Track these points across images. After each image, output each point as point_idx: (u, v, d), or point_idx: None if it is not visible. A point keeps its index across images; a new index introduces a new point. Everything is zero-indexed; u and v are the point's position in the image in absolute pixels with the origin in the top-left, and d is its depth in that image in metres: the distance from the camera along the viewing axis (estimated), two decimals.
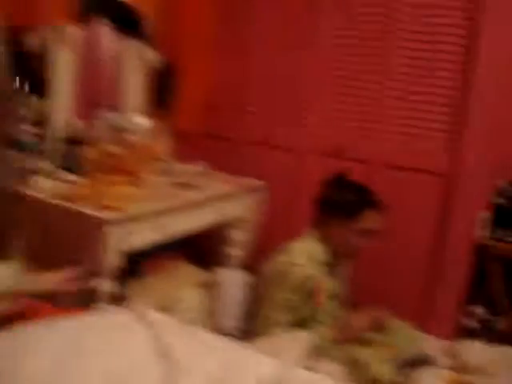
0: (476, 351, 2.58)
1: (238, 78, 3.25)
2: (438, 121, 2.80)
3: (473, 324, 2.95)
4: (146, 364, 1.24)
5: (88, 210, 2.00)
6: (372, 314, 2.36)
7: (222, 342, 1.45)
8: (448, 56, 2.74)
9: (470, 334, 2.90)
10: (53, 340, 1.26)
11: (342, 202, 2.32)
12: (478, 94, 2.67)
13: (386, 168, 2.92)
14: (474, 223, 2.80)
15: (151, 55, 2.90)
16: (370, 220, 2.29)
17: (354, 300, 2.96)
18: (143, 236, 2.21)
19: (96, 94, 2.97)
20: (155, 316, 1.44)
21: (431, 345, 2.69)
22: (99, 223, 1.97)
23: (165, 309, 2.47)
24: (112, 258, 2.07)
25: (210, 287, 2.60)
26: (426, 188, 2.85)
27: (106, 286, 2.08)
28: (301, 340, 2.20)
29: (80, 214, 2.00)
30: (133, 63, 2.83)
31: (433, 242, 2.86)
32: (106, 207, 2.03)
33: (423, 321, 2.90)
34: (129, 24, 2.78)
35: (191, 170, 2.83)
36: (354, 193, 2.34)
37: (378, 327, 2.40)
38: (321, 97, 3.05)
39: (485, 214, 2.85)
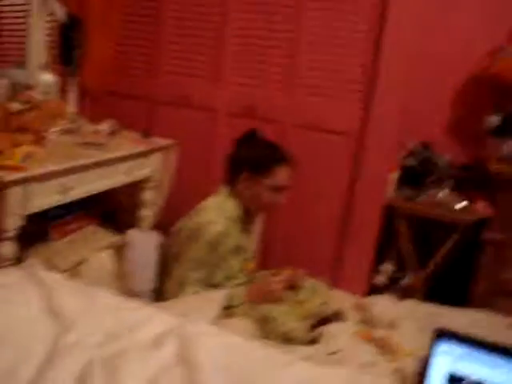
0: (384, 306, 2.68)
1: (150, 36, 3.16)
2: (349, 81, 2.84)
3: (382, 281, 3.07)
4: (34, 322, 1.22)
5: None
6: (287, 274, 2.42)
7: (121, 302, 1.46)
8: (361, 18, 2.78)
9: (379, 290, 3.03)
10: None
11: (252, 159, 2.36)
12: (389, 53, 2.72)
13: (298, 128, 2.95)
14: (385, 183, 2.89)
15: (56, 8, 2.78)
16: (280, 176, 2.32)
17: (264, 256, 3.06)
18: (46, 197, 2.13)
19: None
20: (47, 275, 1.42)
21: (342, 301, 2.79)
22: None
23: (73, 273, 2.46)
24: (13, 220, 2.01)
25: (120, 249, 2.59)
26: (336, 148, 2.90)
27: (6, 249, 2.02)
28: (214, 299, 2.24)
29: None
30: (37, 16, 2.71)
31: (344, 202, 2.93)
32: (7, 167, 1.96)
33: (335, 279, 3.00)
34: None
35: (99, 129, 2.76)
36: (264, 149, 2.38)
37: (292, 286, 2.47)
38: (234, 57, 3.02)
39: (395, 175, 2.95)
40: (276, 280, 2.38)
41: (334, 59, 2.85)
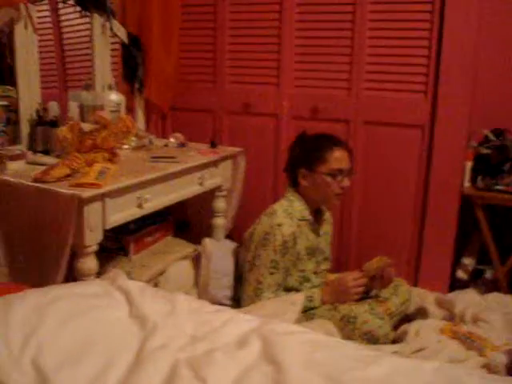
0: (468, 301, 2.60)
1: (209, 47, 3.20)
2: (415, 73, 2.78)
3: (463, 275, 2.98)
4: (121, 327, 1.25)
5: (65, 190, 1.99)
6: (364, 272, 2.39)
7: (202, 306, 1.47)
8: (423, 6, 2.71)
9: (461, 285, 2.94)
10: (22, 310, 1.28)
11: (304, 154, 2.39)
12: (453, 41, 2.64)
13: (366, 125, 2.91)
14: (459, 174, 2.81)
15: (117, 30, 2.87)
16: (335, 159, 2.32)
17: (339, 257, 3.02)
18: (123, 211, 2.18)
19: (66, 74, 2.97)
20: (130, 283, 1.45)
21: (424, 298, 2.72)
22: (77, 201, 1.96)
23: (153, 284, 2.51)
24: (93, 236, 2.07)
25: (197, 259, 2.62)
26: (408, 142, 2.84)
27: (88, 264, 2.08)
28: (293, 302, 2.23)
29: (58, 195, 1.98)
30: (100, 39, 2.79)
31: (419, 196, 2.86)
32: (84, 185, 2.02)
33: (415, 275, 2.94)
34: None
35: (168, 143, 2.83)
36: (313, 141, 2.40)
37: (387, 282, 2.44)
38: (292, 60, 3.01)
39: (469, 164, 2.86)
40: (352, 278, 2.35)
41: (397, 52, 2.79)
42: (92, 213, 2.04)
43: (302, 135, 2.47)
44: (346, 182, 2.37)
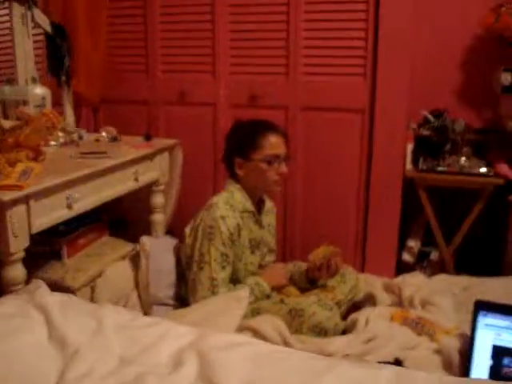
0: (416, 284, 2.53)
1: (140, 36, 2.99)
2: (352, 56, 2.66)
3: (409, 258, 2.92)
4: (38, 354, 1.08)
5: None
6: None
7: (131, 320, 1.30)
8: None
9: (407, 268, 2.88)
10: None
11: (240, 140, 2.27)
12: (389, 24, 2.55)
13: (305, 110, 2.78)
14: (401, 156, 2.73)
15: (40, 19, 2.64)
16: (269, 145, 2.21)
17: (284, 248, 2.92)
18: (51, 213, 1.98)
19: None
20: (49, 299, 1.27)
21: (371, 283, 2.64)
22: None
23: (92, 287, 2.34)
24: (18, 242, 1.87)
25: (136, 258, 2.46)
26: (348, 126, 2.73)
27: (13, 272, 1.89)
28: (238, 299, 2.11)
29: None
30: (21, 29, 2.55)
31: (362, 181, 2.76)
32: (4, 187, 1.83)
33: (361, 260, 2.86)
34: None
35: (98, 137, 2.63)
36: (245, 129, 2.29)
37: (334, 272, 2.34)
38: (227, 46, 2.85)
39: (410, 146, 2.79)
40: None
41: (334, 35, 2.67)
42: (15, 217, 1.82)
43: (237, 123, 2.34)
44: (283, 168, 2.24)
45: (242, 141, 2.25)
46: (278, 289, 2.31)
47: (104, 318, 1.23)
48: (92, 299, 2.28)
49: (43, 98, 2.54)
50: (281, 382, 1.02)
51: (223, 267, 2.16)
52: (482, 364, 1.83)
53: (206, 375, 1.04)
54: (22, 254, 1.89)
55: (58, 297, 1.32)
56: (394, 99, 2.62)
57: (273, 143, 2.22)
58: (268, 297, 2.26)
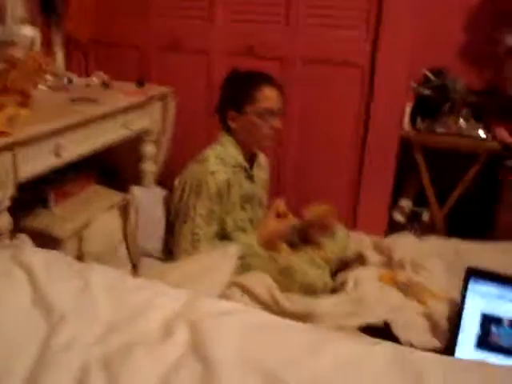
0: (406, 245, 2.51)
1: None
2: (354, 9, 2.55)
3: (400, 217, 2.89)
4: (23, 316, 1.03)
5: None
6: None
7: (120, 282, 1.24)
8: None
9: (398, 227, 2.85)
10: None
11: (231, 93, 2.18)
12: None
13: (304, 63, 2.68)
14: (399, 115, 2.66)
15: None
16: (264, 97, 2.12)
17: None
18: (38, 161, 1.90)
19: None
20: (35, 257, 1.21)
21: (361, 242, 2.62)
22: None
23: (79, 237, 2.28)
24: (4, 190, 1.80)
25: (125, 208, 2.41)
26: (347, 80, 2.65)
27: (1, 221, 1.83)
28: (229, 254, 2.08)
29: None
30: None
31: (358, 137, 2.69)
32: None
33: (352, 217, 2.83)
34: None
35: (89, 82, 2.53)
36: (241, 79, 2.18)
37: (327, 232, 2.31)
38: None
39: (409, 105, 2.72)
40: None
41: None
42: (1, 165, 1.76)
43: (233, 73, 2.23)
44: (277, 123, 2.15)
45: (236, 92, 2.15)
46: (268, 245, 2.26)
47: (91, 279, 1.17)
48: (79, 250, 2.22)
49: (32, 40, 2.41)
50: (274, 357, 0.97)
51: (207, 223, 2.11)
52: (469, 331, 1.81)
53: (198, 346, 0.99)
54: (7, 203, 1.83)
55: (43, 254, 1.26)
56: (395, 56, 2.53)
57: (268, 96, 2.12)
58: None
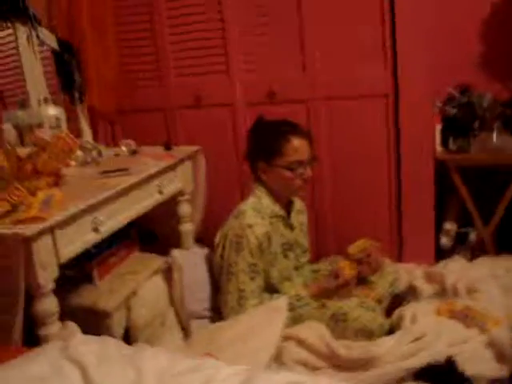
0: (458, 271, 2.43)
1: (150, 42, 2.88)
2: (369, 40, 2.52)
3: (447, 241, 2.80)
4: None
5: (6, 230, 1.71)
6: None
7: (173, 364, 1.20)
8: None
9: (446, 252, 2.77)
10: None
11: (260, 145, 2.16)
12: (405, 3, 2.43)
13: (327, 101, 2.66)
14: (430, 138, 2.61)
15: (45, 37, 2.55)
16: (293, 150, 2.09)
17: (317, 246, 2.81)
18: (78, 239, 1.90)
19: None
20: (80, 349, 1.19)
21: (412, 274, 2.54)
22: (22, 241, 1.70)
23: (127, 307, 2.26)
24: (47, 273, 1.80)
25: (169, 272, 2.39)
26: (372, 112, 2.60)
27: (46, 305, 1.82)
28: (277, 308, 2.03)
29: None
30: (27, 50, 2.46)
31: (392, 167, 2.64)
32: (27, 220, 1.76)
33: (398, 251, 2.75)
34: (11, 7, 2.42)
35: (117, 151, 2.54)
36: (268, 131, 2.16)
37: (375, 267, 2.26)
38: (240, 44, 2.73)
39: (438, 127, 2.67)
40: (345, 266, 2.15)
41: (348, 21, 2.54)
42: (42, 249, 1.74)
43: (258, 122, 2.23)
44: (308, 173, 2.13)
45: (264, 145, 2.14)
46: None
47: (143, 367, 1.14)
48: (128, 320, 2.20)
49: (58, 118, 2.45)
50: None
51: (252, 278, 2.08)
52: None
53: None
54: (51, 286, 1.82)
55: (93, 346, 1.23)
56: (416, 79, 2.49)
57: (296, 148, 2.10)
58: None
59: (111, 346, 1.27)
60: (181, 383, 1.11)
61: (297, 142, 2.10)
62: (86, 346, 1.21)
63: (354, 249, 2.23)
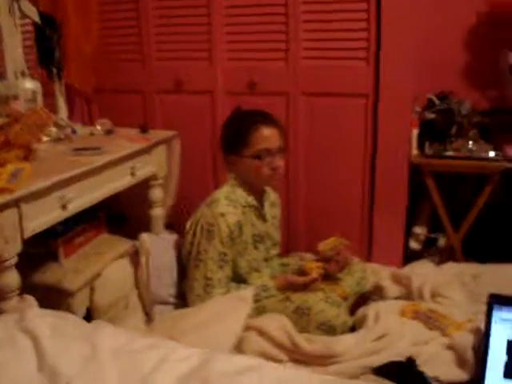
0: (425, 274, 2.45)
1: (133, 23, 2.84)
2: (355, 39, 2.51)
3: (416, 245, 2.82)
4: None
5: None
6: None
7: (129, 341, 1.18)
8: None
9: (414, 255, 2.79)
10: None
11: (231, 135, 2.15)
12: (395, 5, 2.42)
13: (306, 96, 2.65)
14: (407, 141, 2.62)
15: (27, 9, 2.50)
16: (261, 139, 2.07)
17: (288, 240, 2.81)
18: (44, 215, 1.86)
19: None
20: (39, 321, 1.16)
21: (379, 274, 2.55)
22: None
23: (91, 288, 2.24)
24: (10, 247, 1.76)
25: (135, 256, 2.36)
26: (350, 111, 2.60)
27: (7, 279, 1.78)
28: (243, 299, 2.03)
29: None
30: (8, 21, 2.41)
31: (367, 167, 2.64)
32: None
33: (368, 250, 2.76)
34: None
35: (92, 130, 2.50)
36: (236, 123, 2.16)
37: (343, 265, 2.26)
38: (223, 31, 2.70)
39: (415, 131, 2.68)
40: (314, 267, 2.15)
41: (335, 17, 2.52)
42: (6, 222, 1.71)
43: (234, 113, 2.22)
44: (278, 162, 2.10)
45: (233, 136, 2.13)
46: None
47: (99, 344, 1.12)
48: (91, 301, 2.18)
49: (34, 92, 2.40)
50: None
51: (220, 266, 2.07)
52: (496, 360, 1.74)
53: None
54: (14, 260, 1.78)
55: (49, 319, 1.21)
56: (398, 83, 2.48)
57: (264, 136, 2.08)
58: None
59: (68, 320, 1.24)
60: (136, 360, 1.09)
61: (266, 131, 2.08)
62: (42, 318, 1.18)
63: (324, 246, 2.22)
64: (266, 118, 2.12)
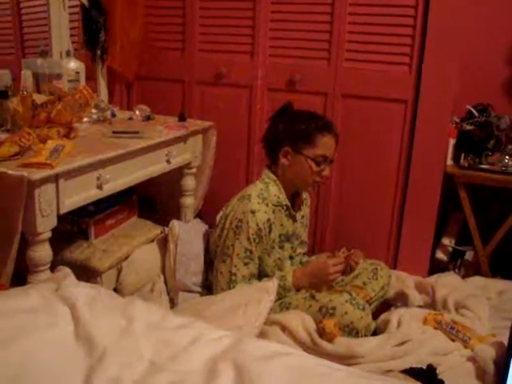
0: (450, 285, 2.44)
1: (179, 13, 2.86)
2: (399, 44, 2.50)
3: (443, 256, 2.81)
4: (63, 352, 1.01)
5: (12, 171, 1.72)
6: (343, 257, 2.18)
7: (163, 319, 1.21)
8: None
9: (440, 266, 2.77)
10: None
11: (292, 129, 2.13)
12: (443, 12, 2.38)
13: (344, 98, 2.64)
14: (442, 152, 2.60)
15: None
16: (323, 145, 2.10)
17: (315, 240, 2.82)
18: (80, 193, 1.91)
19: (23, 40, 2.68)
20: (76, 291, 1.19)
21: (404, 281, 2.55)
22: (26, 184, 1.70)
23: (118, 270, 2.28)
24: (46, 222, 1.81)
25: (164, 241, 2.39)
26: (389, 117, 2.58)
27: (40, 253, 1.83)
28: (267, 290, 2.04)
29: (4, 176, 1.70)
30: (57, 2, 2.49)
31: (401, 174, 2.62)
32: (34, 165, 1.76)
33: (394, 257, 2.75)
34: None
35: (131, 115, 2.54)
36: (304, 118, 2.14)
37: (350, 268, 2.23)
38: (267, 28, 2.71)
39: (452, 141, 2.67)
40: (332, 263, 2.15)
41: (381, 21, 2.51)
42: (44, 196, 1.75)
43: (288, 108, 2.21)
44: (327, 172, 2.15)
45: (297, 131, 2.12)
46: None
47: (134, 316, 1.15)
48: (118, 282, 2.22)
49: (77, 73, 2.46)
50: None
51: (246, 263, 2.09)
52: None
53: None
54: (48, 234, 1.83)
55: (85, 289, 1.24)
56: (439, 92, 2.46)
57: (328, 144, 2.12)
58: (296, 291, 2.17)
59: (103, 292, 1.27)
60: (170, 338, 1.12)
61: (331, 139, 2.13)
62: (79, 288, 1.21)
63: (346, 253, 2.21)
64: (332, 127, 2.16)
